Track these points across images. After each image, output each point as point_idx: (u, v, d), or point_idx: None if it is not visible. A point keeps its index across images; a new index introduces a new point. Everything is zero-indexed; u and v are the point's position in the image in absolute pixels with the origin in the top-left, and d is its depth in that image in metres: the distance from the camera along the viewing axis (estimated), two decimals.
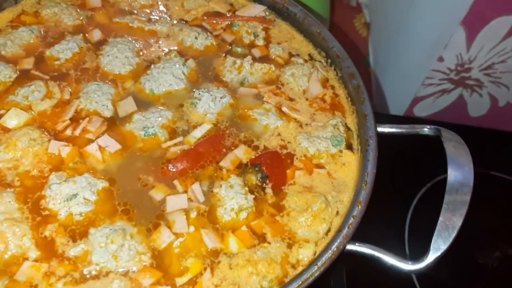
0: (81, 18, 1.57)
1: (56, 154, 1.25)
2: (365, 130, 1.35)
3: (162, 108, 1.38)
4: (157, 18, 1.62)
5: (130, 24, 1.57)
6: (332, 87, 1.52)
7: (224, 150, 1.33)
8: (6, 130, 1.28)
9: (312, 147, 1.35)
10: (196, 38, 1.54)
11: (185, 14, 1.64)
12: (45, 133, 1.28)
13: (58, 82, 1.39)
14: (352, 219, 1.17)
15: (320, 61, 1.57)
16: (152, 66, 1.46)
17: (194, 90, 1.42)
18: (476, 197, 1.24)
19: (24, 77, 1.40)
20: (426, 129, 1.35)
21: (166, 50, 1.54)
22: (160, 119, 1.33)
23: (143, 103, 1.39)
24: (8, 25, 1.51)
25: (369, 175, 1.25)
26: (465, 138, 1.35)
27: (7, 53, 1.44)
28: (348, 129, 1.42)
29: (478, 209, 1.26)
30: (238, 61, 1.50)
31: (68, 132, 1.30)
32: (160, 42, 1.55)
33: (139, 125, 1.32)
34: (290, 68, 1.51)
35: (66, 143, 1.27)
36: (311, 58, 1.58)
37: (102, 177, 1.23)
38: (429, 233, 1.20)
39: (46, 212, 1.16)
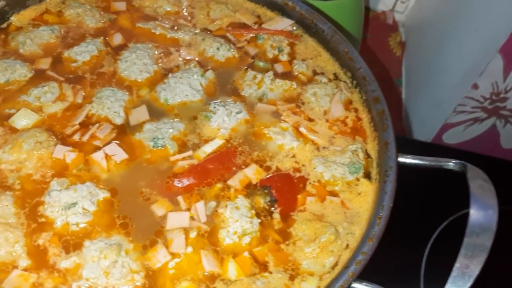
0: (104, 21, 1.55)
1: (61, 159, 1.21)
2: (386, 159, 1.27)
3: (175, 119, 1.33)
4: (181, 26, 1.58)
5: (153, 31, 1.53)
6: (355, 110, 1.44)
7: (234, 168, 1.26)
8: (14, 130, 1.25)
9: (327, 173, 1.27)
10: (218, 49, 1.49)
11: (210, 24, 1.59)
12: (52, 136, 1.24)
13: (72, 85, 1.36)
14: (361, 255, 1.09)
15: (345, 82, 1.49)
16: (170, 75, 1.41)
17: (210, 102, 1.36)
18: (501, 238, 1.14)
19: (38, 77, 1.37)
20: (451, 164, 1.26)
21: (186, 59, 1.49)
22: (171, 130, 1.28)
23: (156, 113, 1.35)
24: (29, 23, 1.50)
25: (384, 208, 1.16)
26: (495, 170, 1.25)
27: (25, 51, 1.42)
28: (368, 156, 1.34)
29: (500, 253, 1.16)
30: (259, 76, 1.44)
31: (76, 137, 1.26)
32: (181, 50, 1.51)
33: (149, 135, 1.28)
34: (312, 87, 1.44)
35: (72, 149, 1.23)
36: (336, 77, 1.51)
37: (105, 187, 1.19)
38: (447, 275, 1.11)
39: (43, 219, 1.12)
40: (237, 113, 1.35)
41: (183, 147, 1.28)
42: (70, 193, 1.14)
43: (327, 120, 1.40)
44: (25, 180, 1.18)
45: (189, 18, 1.61)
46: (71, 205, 1.13)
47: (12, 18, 1.49)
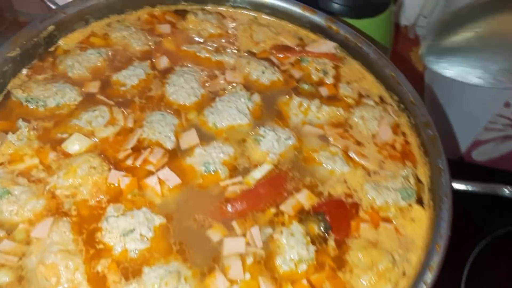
0: (150, 43, 1.56)
1: (116, 184, 1.21)
2: (439, 186, 1.26)
3: (224, 143, 1.32)
4: (225, 48, 1.59)
5: (198, 54, 1.55)
6: (404, 134, 1.43)
7: (285, 193, 1.26)
8: (67, 155, 1.26)
9: (379, 198, 1.26)
10: (263, 72, 1.50)
11: (254, 46, 1.60)
12: (106, 161, 1.24)
13: (122, 109, 1.37)
14: (423, 285, 1.08)
15: (391, 105, 1.49)
16: (217, 99, 1.41)
17: (260, 126, 1.36)
18: None
19: (88, 101, 1.38)
20: (507, 191, 1.25)
21: (232, 82, 1.49)
22: (221, 155, 1.28)
23: (205, 136, 1.35)
24: (77, 46, 1.51)
25: (443, 237, 1.15)
26: None
27: (74, 75, 1.43)
28: (419, 181, 1.33)
29: None
30: (305, 104, 1.43)
31: (129, 162, 1.26)
32: (226, 74, 1.51)
33: (200, 160, 1.28)
34: (360, 110, 1.44)
35: (125, 173, 1.23)
36: (382, 100, 1.51)
37: (160, 213, 1.18)
38: None
39: (101, 246, 1.12)
40: (286, 139, 1.35)
41: (234, 171, 1.28)
42: (127, 219, 1.13)
43: (376, 144, 1.40)
44: (81, 206, 1.18)
45: (233, 41, 1.62)
46: (129, 232, 1.12)
47: (60, 42, 1.50)
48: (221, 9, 1.70)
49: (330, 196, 1.27)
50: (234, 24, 1.67)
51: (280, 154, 1.33)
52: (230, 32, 1.64)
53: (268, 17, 1.69)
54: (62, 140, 1.28)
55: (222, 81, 1.49)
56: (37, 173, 1.22)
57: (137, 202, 1.20)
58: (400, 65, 1.52)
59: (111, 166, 1.24)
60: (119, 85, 1.43)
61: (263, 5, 1.67)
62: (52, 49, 1.49)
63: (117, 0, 1.58)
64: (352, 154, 1.35)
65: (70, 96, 1.36)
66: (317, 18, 1.62)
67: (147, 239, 1.13)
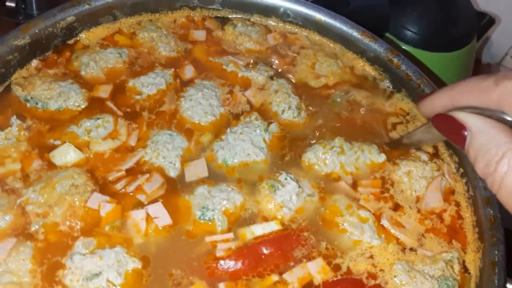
0: (178, 50, 1.37)
1: (95, 209, 1.03)
2: (489, 284, 0.98)
3: (233, 188, 1.10)
4: (257, 65, 1.37)
5: (224, 67, 1.34)
6: (457, 204, 1.16)
7: (292, 259, 1.02)
8: (52, 166, 1.09)
9: (411, 285, 1.00)
10: (289, 108, 1.27)
11: (313, 80, 1.37)
12: (92, 181, 1.07)
13: (128, 122, 1.19)
14: None
15: (448, 164, 1.22)
16: (228, 130, 1.20)
17: (281, 172, 1.13)
18: None
19: (94, 108, 1.21)
20: None
21: (251, 103, 1.29)
22: (225, 202, 1.06)
23: (214, 174, 1.13)
24: (98, 43, 1.34)
25: None
26: None
27: (87, 74, 1.27)
28: (465, 270, 1.05)
29: None
30: (329, 157, 1.17)
31: (119, 185, 1.07)
32: (247, 92, 1.30)
33: (199, 202, 1.06)
34: (407, 164, 1.18)
35: (110, 199, 1.04)
36: (437, 155, 1.24)
37: (135, 255, 0.98)
38: None
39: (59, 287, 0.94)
40: (309, 195, 1.11)
41: (234, 224, 1.06)
42: (95, 260, 0.94)
43: (418, 211, 1.14)
44: (49, 229, 1.00)
45: (292, 66, 1.40)
46: (94, 276, 0.93)
47: (81, 35, 1.34)
48: (270, 22, 1.49)
49: (348, 273, 1.02)
50: (295, 45, 1.45)
51: (296, 210, 1.09)
52: (290, 54, 1.42)
53: (319, 37, 1.45)
54: (53, 148, 1.11)
55: (242, 102, 1.28)
56: (13, 181, 1.06)
57: (113, 238, 1.00)
58: None
59: (95, 188, 1.06)
60: (134, 93, 1.25)
61: (317, 23, 1.44)
62: (71, 42, 1.33)
63: None
64: (385, 223, 1.09)
65: (75, 101, 1.20)
66: (377, 47, 1.37)
67: (115, 287, 0.94)
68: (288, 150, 1.20)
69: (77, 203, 1.03)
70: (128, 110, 1.21)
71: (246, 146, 1.16)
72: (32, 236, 0.99)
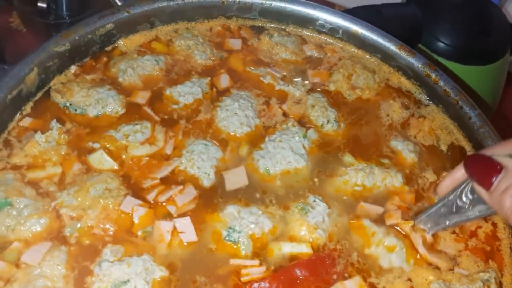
0: (214, 58, 1.38)
1: (129, 212, 1.03)
2: None
3: (264, 213, 1.07)
4: (294, 79, 1.37)
5: (261, 78, 1.34)
6: (494, 225, 1.13)
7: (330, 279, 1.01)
8: (89, 169, 1.10)
9: None
10: (328, 122, 1.26)
11: (347, 89, 1.36)
12: (125, 185, 1.08)
13: (166, 129, 1.19)
14: None
15: None
16: (266, 138, 1.20)
17: (309, 195, 1.12)
18: None
19: (132, 113, 1.22)
20: None
21: (288, 115, 1.29)
22: (253, 226, 1.04)
23: (254, 184, 1.13)
24: (135, 50, 1.35)
25: None
26: None
27: (125, 80, 1.28)
28: None
29: None
30: (361, 176, 1.16)
31: (152, 195, 1.07)
32: (284, 105, 1.30)
33: (227, 221, 1.05)
34: None
35: (142, 203, 1.05)
36: None
37: (162, 264, 0.98)
38: None
39: None
40: (339, 215, 1.10)
41: (261, 249, 1.04)
42: (123, 268, 0.94)
43: (453, 231, 1.11)
44: (83, 233, 1.00)
45: (328, 77, 1.39)
46: (123, 283, 0.93)
47: (119, 42, 1.35)
48: (305, 33, 1.48)
49: None
50: (333, 53, 1.45)
51: (329, 232, 1.08)
52: (312, 61, 1.42)
53: (355, 49, 1.44)
54: (92, 150, 1.13)
55: (278, 114, 1.28)
56: (47, 185, 1.07)
57: (140, 245, 1.01)
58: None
59: (127, 192, 1.06)
60: (171, 102, 1.25)
61: (353, 35, 1.43)
62: (108, 48, 1.34)
63: (189, 6, 1.40)
64: (421, 249, 1.06)
65: (113, 107, 1.21)
66: (415, 62, 1.35)
67: None
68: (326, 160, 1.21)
69: (111, 206, 1.03)
70: (166, 117, 1.22)
71: (286, 153, 1.16)
72: (65, 240, 1.00)
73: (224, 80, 1.33)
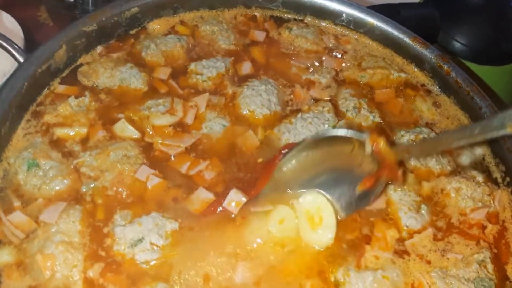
0: (237, 43, 1.43)
1: (143, 180, 1.09)
2: None
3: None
4: (319, 67, 1.42)
5: (289, 69, 1.40)
6: (504, 228, 1.14)
7: None
8: (112, 137, 1.16)
9: None
10: (354, 108, 1.30)
11: (359, 73, 1.41)
12: (143, 155, 1.13)
13: (183, 101, 1.25)
14: None
15: (505, 189, 1.21)
16: (299, 115, 1.25)
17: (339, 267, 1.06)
18: None
19: (155, 88, 1.28)
20: None
21: (319, 100, 1.33)
22: None
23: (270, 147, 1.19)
24: (159, 32, 1.42)
25: None
26: None
27: (147, 55, 1.34)
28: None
29: None
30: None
31: (183, 168, 1.13)
32: (311, 91, 1.35)
33: None
34: (459, 181, 1.18)
35: (156, 173, 1.11)
36: (493, 178, 1.23)
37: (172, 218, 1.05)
38: None
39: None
40: None
41: None
42: (135, 228, 1.00)
43: (457, 226, 1.14)
44: (98, 192, 1.07)
45: (329, 60, 1.45)
46: (138, 242, 0.99)
47: (146, 25, 1.42)
48: (322, 24, 1.53)
49: None
50: (337, 43, 1.50)
51: None
52: (332, 51, 1.47)
53: (370, 41, 1.48)
54: (118, 120, 1.19)
55: (308, 100, 1.34)
56: (72, 145, 1.14)
57: (147, 206, 1.06)
58: None
59: (145, 162, 1.12)
60: (196, 73, 1.31)
61: (367, 26, 1.47)
62: (132, 32, 1.41)
63: None
64: None
65: (136, 85, 1.27)
66: (428, 54, 1.39)
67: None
68: None
69: (127, 172, 1.09)
70: (192, 90, 1.28)
71: (312, 135, 1.20)
72: (81, 197, 1.06)
73: (246, 67, 1.38)
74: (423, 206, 1.13)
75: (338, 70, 1.42)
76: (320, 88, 1.36)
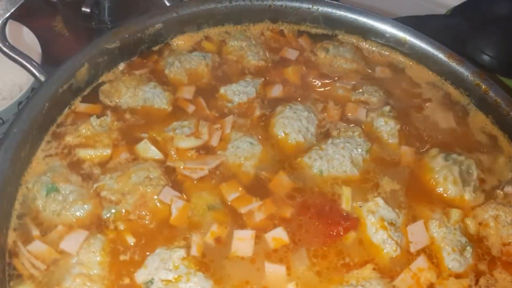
0: (266, 59, 1.38)
1: (166, 203, 1.04)
2: None
3: None
4: (363, 86, 1.36)
5: (334, 90, 1.35)
6: None
7: None
8: (136, 158, 1.12)
9: None
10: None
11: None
12: (166, 176, 1.09)
13: (209, 123, 1.20)
14: None
15: None
16: (330, 140, 1.19)
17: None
18: None
19: (179, 108, 1.24)
20: None
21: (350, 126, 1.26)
22: None
23: (301, 179, 1.13)
24: (184, 49, 1.38)
25: None
26: None
27: (170, 73, 1.30)
28: None
29: None
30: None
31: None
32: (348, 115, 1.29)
33: None
34: (496, 208, 1.11)
35: (181, 195, 1.06)
36: None
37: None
38: None
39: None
40: None
41: None
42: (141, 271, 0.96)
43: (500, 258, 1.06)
44: (120, 218, 1.02)
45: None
46: (149, 283, 0.94)
47: (171, 42, 1.38)
48: (352, 40, 1.47)
49: None
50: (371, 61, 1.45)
51: None
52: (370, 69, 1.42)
53: (403, 59, 1.42)
54: (141, 140, 1.15)
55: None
56: (90, 167, 1.10)
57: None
58: None
59: (167, 183, 1.07)
60: (226, 101, 1.26)
61: (400, 42, 1.41)
62: (155, 48, 1.36)
63: (236, 9, 1.41)
64: None
65: (160, 106, 1.23)
66: (464, 71, 1.32)
67: None
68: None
69: (149, 194, 1.05)
70: (217, 115, 1.23)
71: (345, 162, 1.15)
72: (104, 223, 1.01)
73: (276, 90, 1.32)
74: (468, 248, 1.05)
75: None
76: (371, 106, 1.31)
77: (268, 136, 1.20)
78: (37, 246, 0.97)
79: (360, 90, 1.33)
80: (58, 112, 1.18)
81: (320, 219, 1.05)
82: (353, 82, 1.36)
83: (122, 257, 0.98)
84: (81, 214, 1.02)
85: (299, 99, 1.29)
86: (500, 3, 1.66)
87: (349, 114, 1.28)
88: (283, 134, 1.19)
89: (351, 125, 1.25)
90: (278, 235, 1.02)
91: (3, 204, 0.98)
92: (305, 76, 1.36)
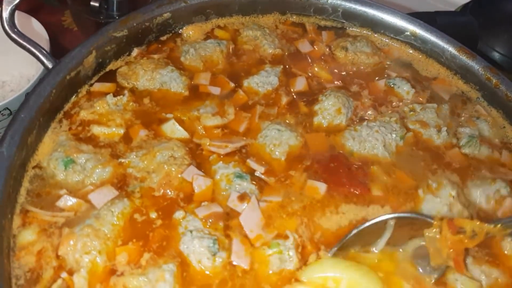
0: (282, 48, 1.38)
1: (189, 181, 1.03)
2: None
3: None
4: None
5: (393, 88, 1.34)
6: None
7: None
8: (161, 135, 1.11)
9: None
10: (438, 132, 1.23)
11: None
12: (189, 156, 1.07)
13: (233, 104, 1.20)
14: None
15: None
16: (365, 123, 1.19)
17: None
18: None
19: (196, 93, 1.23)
20: None
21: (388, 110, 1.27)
22: None
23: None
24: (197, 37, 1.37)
25: None
26: None
27: (186, 60, 1.28)
28: None
29: None
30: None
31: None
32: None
33: None
34: None
35: (204, 175, 1.04)
36: None
37: None
38: None
39: None
40: None
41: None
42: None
43: None
44: (145, 192, 1.01)
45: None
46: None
47: (181, 31, 1.36)
48: (365, 33, 1.47)
49: None
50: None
51: None
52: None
53: (412, 52, 1.41)
54: (164, 121, 1.14)
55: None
56: (118, 143, 1.09)
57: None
58: None
59: (191, 162, 1.06)
60: (253, 94, 1.25)
61: (409, 35, 1.41)
62: (163, 38, 1.34)
63: (245, 0, 1.40)
64: None
65: (176, 90, 1.21)
66: (475, 65, 1.32)
67: None
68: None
69: (174, 173, 1.04)
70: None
71: (377, 145, 1.15)
72: (129, 194, 1.00)
73: (300, 83, 1.31)
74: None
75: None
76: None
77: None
78: (66, 199, 0.98)
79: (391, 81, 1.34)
80: (66, 99, 1.14)
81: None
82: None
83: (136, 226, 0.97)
84: (105, 176, 1.03)
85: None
86: (509, 0, 1.65)
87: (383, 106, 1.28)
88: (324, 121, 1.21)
89: (388, 111, 1.25)
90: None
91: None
92: (331, 72, 1.37)
